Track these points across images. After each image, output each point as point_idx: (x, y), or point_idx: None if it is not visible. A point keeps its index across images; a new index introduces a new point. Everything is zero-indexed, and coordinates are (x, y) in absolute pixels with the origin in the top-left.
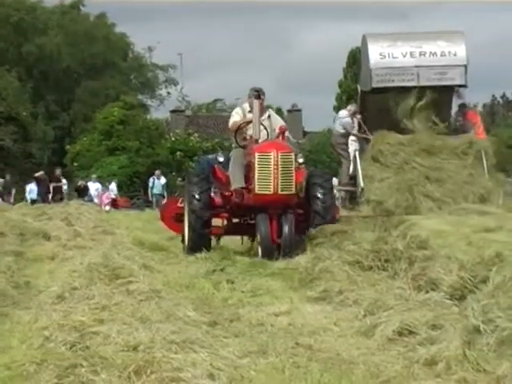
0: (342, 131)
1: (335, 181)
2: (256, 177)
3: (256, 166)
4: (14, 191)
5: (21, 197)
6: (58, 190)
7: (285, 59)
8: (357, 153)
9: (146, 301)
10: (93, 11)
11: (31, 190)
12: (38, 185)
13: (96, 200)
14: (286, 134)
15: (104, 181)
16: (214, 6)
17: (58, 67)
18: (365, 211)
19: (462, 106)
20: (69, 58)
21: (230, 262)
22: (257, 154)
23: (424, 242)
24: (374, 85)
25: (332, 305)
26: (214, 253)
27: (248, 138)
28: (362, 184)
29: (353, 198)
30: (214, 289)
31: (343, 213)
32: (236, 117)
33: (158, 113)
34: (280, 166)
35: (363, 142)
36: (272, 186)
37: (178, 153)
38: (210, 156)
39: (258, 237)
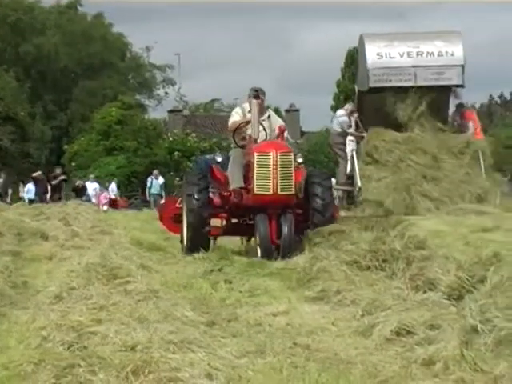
0: (340, 130)
1: (333, 181)
2: (255, 177)
3: (255, 165)
4: (10, 191)
5: (17, 197)
6: (56, 189)
7: (283, 59)
8: (354, 152)
9: (143, 301)
10: (90, 11)
11: (29, 189)
12: (36, 185)
13: (94, 200)
14: (285, 134)
15: (103, 181)
16: (212, 5)
17: (55, 67)
18: (362, 211)
19: (460, 106)
20: (66, 58)
21: (228, 262)
22: (256, 154)
23: (422, 242)
24: (371, 84)
25: (330, 305)
26: (211, 253)
27: (247, 137)
28: (359, 183)
29: (350, 198)
30: (212, 289)
31: (341, 213)
32: (236, 116)
33: (156, 113)
34: (279, 166)
35: (361, 141)
36: (271, 186)
37: (176, 153)
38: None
39: (257, 237)
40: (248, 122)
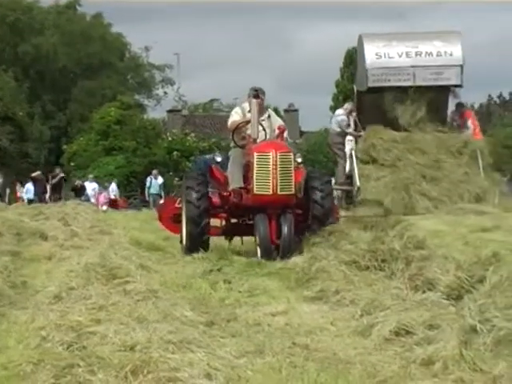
0: (339, 130)
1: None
2: (255, 177)
3: (255, 165)
4: (8, 191)
5: (14, 197)
6: (56, 188)
7: (281, 59)
8: (353, 152)
9: (143, 301)
10: (89, 11)
11: (28, 189)
12: (35, 185)
13: (93, 200)
14: (285, 134)
15: (102, 181)
16: (211, 5)
17: (54, 67)
18: (361, 210)
19: (459, 106)
20: (65, 58)
21: (227, 262)
22: (255, 154)
23: (421, 242)
24: (370, 84)
25: (329, 304)
26: (211, 253)
27: (247, 137)
28: (358, 183)
29: (349, 198)
30: (211, 289)
31: (340, 212)
32: (235, 116)
33: (155, 113)
34: (279, 166)
35: (360, 140)
36: (271, 187)
37: (175, 153)
38: (207, 156)
39: (257, 237)
40: (248, 122)
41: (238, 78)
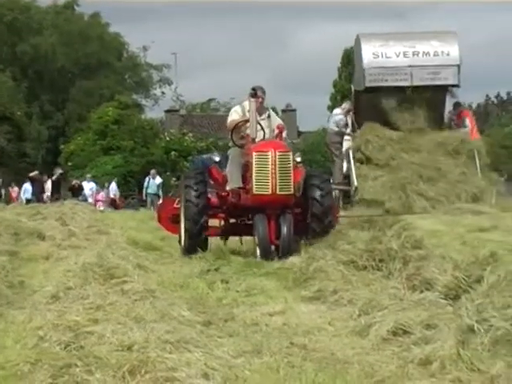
0: (337, 129)
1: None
2: (254, 177)
3: (253, 165)
4: (3, 191)
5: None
6: (56, 187)
7: (279, 59)
8: (350, 151)
9: (140, 300)
10: (87, 11)
11: (26, 189)
12: (33, 184)
13: (90, 200)
14: (284, 134)
15: (99, 180)
16: (208, 5)
17: (52, 67)
18: (359, 210)
19: (457, 105)
20: (63, 58)
21: (225, 262)
22: (254, 154)
23: (418, 242)
24: (368, 84)
25: (326, 304)
26: (208, 252)
27: (246, 137)
28: (355, 183)
29: (346, 197)
30: (209, 288)
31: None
32: (234, 115)
33: (153, 112)
34: (278, 166)
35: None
36: (270, 186)
37: (173, 152)
38: (205, 156)
39: (256, 238)
40: (246, 121)
41: (236, 78)
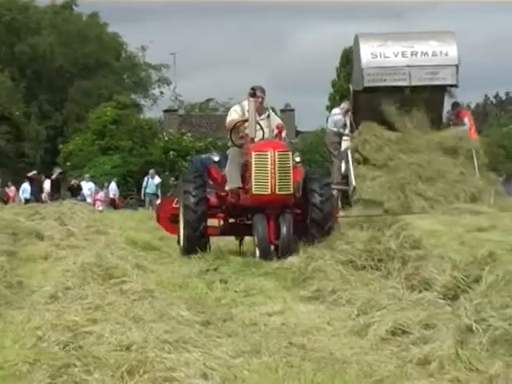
0: (335, 129)
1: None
2: (253, 176)
3: (253, 165)
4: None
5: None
6: (55, 187)
7: (278, 59)
8: (349, 152)
9: (139, 300)
10: (85, 11)
11: (24, 189)
12: (31, 184)
13: (89, 199)
14: (283, 133)
15: (98, 180)
16: (207, 5)
17: (50, 67)
18: (357, 210)
19: (455, 105)
20: (62, 58)
21: (224, 262)
22: (253, 154)
23: (417, 242)
24: (366, 84)
25: (325, 304)
26: (207, 252)
27: (245, 136)
28: (354, 183)
29: (345, 197)
30: (208, 288)
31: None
32: (234, 114)
33: (151, 112)
34: (277, 166)
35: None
36: (269, 186)
37: (171, 152)
38: (204, 156)
39: (256, 238)
40: (245, 121)
41: (234, 78)
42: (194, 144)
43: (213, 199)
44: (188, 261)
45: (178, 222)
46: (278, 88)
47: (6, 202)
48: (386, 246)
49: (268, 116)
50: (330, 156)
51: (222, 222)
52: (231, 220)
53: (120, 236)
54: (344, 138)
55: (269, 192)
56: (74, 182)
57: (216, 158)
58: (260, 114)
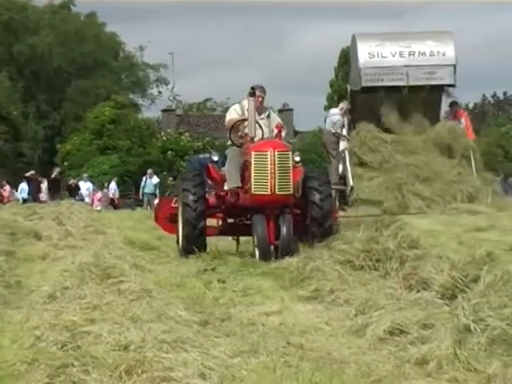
0: (333, 130)
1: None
2: (252, 176)
3: (252, 165)
4: None
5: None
6: (54, 186)
7: (276, 59)
8: (346, 151)
9: (137, 300)
10: (83, 11)
11: (22, 189)
12: (29, 184)
13: (87, 199)
14: (283, 133)
15: (96, 180)
16: (206, 5)
17: (48, 67)
18: (355, 210)
19: (454, 104)
20: (60, 58)
21: (222, 262)
22: (253, 153)
23: (415, 242)
24: (364, 84)
25: (323, 304)
26: (205, 252)
27: (244, 136)
28: (351, 183)
29: (343, 198)
30: (206, 288)
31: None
32: (233, 114)
33: (149, 112)
34: (277, 165)
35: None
36: (269, 186)
37: (169, 152)
38: (202, 155)
39: (255, 238)
40: (244, 120)
41: (233, 78)
42: (192, 144)
43: (212, 199)
44: (186, 260)
45: (176, 221)
46: (277, 88)
47: (0, 202)
48: (384, 246)
49: (268, 115)
50: (328, 156)
51: (220, 222)
52: (230, 220)
53: (118, 236)
54: (342, 138)
55: (268, 192)
56: (72, 181)
57: (215, 158)
58: (260, 114)
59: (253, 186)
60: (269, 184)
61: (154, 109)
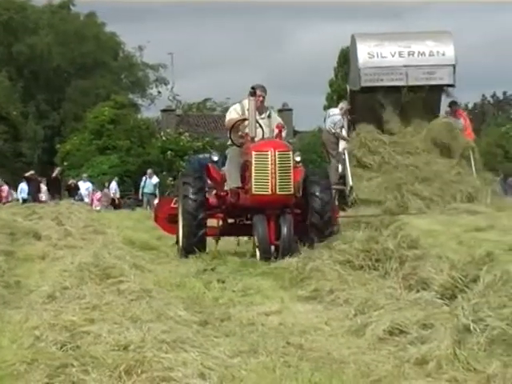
0: (333, 130)
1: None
2: (253, 176)
3: (253, 165)
4: None
5: None
6: (55, 188)
7: (276, 59)
8: (346, 152)
9: (136, 300)
10: (82, 11)
11: (22, 189)
12: (29, 184)
13: (86, 199)
14: (283, 133)
15: (96, 180)
16: (205, 5)
17: (48, 67)
18: (355, 210)
19: (453, 104)
20: (59, 58)
21: (221, 262)
22: (254, 153)
23: (415, 242)
24: (363, 84)
25: (323, 304)
26: (204, 252)
27: (245, 136)
28: (350, 183)
29: (342, 198)
30: (205, 288)
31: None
32: (233, 113)
33: (149, 112)
34: (278, 165)
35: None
36: (269, 186)
37: (169, 152)
38: (201, 155)
39: (256, 238)
40: (245, 120)
41: (232, 78)
42: (192, 144)
43: (212, 199)
44: (185, 260)
45: (176, 221)
46: (276, 88)
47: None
48: (384, 246)
49: (269, 115)
50: (327, 156)
51: (220, 223)
52: (230, 220)
53: (117, 236)
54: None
55: (269, 192)
56: (71, 181)
57: (215, 158)
58: (260, 113)
59: (253, 186)
60: (269, 184)
61: (153, 109)
